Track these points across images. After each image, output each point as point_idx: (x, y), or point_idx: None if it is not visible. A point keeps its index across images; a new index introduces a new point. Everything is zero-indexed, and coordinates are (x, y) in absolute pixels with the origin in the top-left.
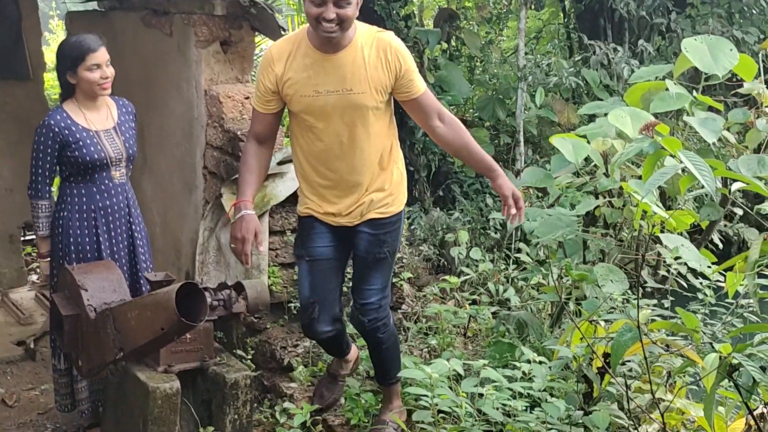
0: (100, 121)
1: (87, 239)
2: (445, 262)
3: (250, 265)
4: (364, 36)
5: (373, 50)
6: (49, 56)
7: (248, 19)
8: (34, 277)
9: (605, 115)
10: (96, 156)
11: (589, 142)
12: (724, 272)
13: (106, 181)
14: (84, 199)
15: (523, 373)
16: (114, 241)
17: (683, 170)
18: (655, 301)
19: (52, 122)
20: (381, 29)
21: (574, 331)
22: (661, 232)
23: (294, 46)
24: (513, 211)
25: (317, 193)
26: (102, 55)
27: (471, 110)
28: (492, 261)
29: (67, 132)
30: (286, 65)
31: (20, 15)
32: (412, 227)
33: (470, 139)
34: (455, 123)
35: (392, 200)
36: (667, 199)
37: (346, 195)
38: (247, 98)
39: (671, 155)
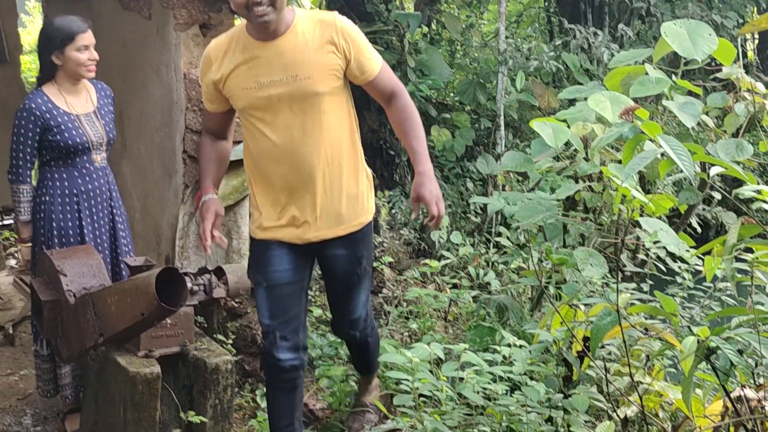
0: (81, 104)
1: (70, 223)
2: (426, 246)
3: (209, 250)
4: (305, 20)
5: (317, 32)
6: (26, 38)
7: (227, 2)
8: (12, 262)
9: (585, 99)
10: (78, 140)
11: (569, 127)
12: (702, 256)
13: (88, 165)
14: (66, 183)
15: (504, 356)
16: (96, 225)
17: (662, 155)
18: (634, 285)
19: (33, 105)
20: (324, 12)
21: (554, 315)
22: (641, 216)
23: (232, 40)
24: (413, 215)
25: (274, 200)
26: (90, 36)
27: (452, 94)
28: (472, 245)
29: (48, 116)
30: (224, 61)
31: None
32: (393, 211)
33: (409, 128)
34: (401, 106)
35: (363, 209)
36: (646, 183)
37: (304, 194)
38: None
39: (651, 140)
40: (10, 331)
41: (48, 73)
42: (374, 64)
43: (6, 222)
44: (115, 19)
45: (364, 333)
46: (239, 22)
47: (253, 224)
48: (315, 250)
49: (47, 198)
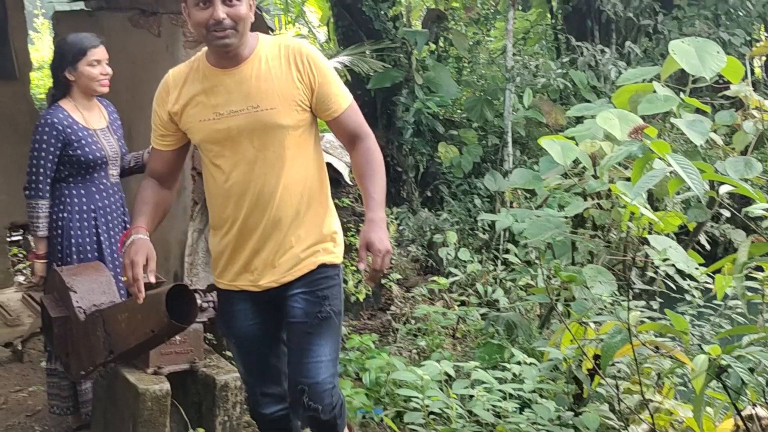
0: (96, 120)
1: (88, 239)
2: (434, 263)
3: (142, 298)
4: (269, 46)
5: (282, 60)
6: (34, 55)
7: None
8: (20, 279)
9: (593, 117)
10: (97, 154)
11: (577, 144)
12: (712, 274)
13: (104, 181)
14: (84, 199)
15: (513, 374)
16: (113, 240)
17: (672, 173)
18: (643, 303)
19: (55, 120)
20: (290, 38)
21: (564, 332)
22: (649, 233)
23: (192, 69)
24: (360, 266)
25: (232, 246)
26: (102, 51)
27: (459, 111)
28: (480, 262)
29: (69, 130)
30: (182, 91)
31: (6, 14)
32: (401, 228)
33: (369, 172)
34: (364, 149)
35: (327, 248)
36: (654, 200)
37: (264, 238)
38: None
39: (660, 158)
40: (19, 348)
41: (63, 89)
42: (342, 99)
43: (14, 238)
44: (124, 36)
45: (331, 411)
46: None
47: (214, 272)
48: (275, 295)
49: (65, 214)
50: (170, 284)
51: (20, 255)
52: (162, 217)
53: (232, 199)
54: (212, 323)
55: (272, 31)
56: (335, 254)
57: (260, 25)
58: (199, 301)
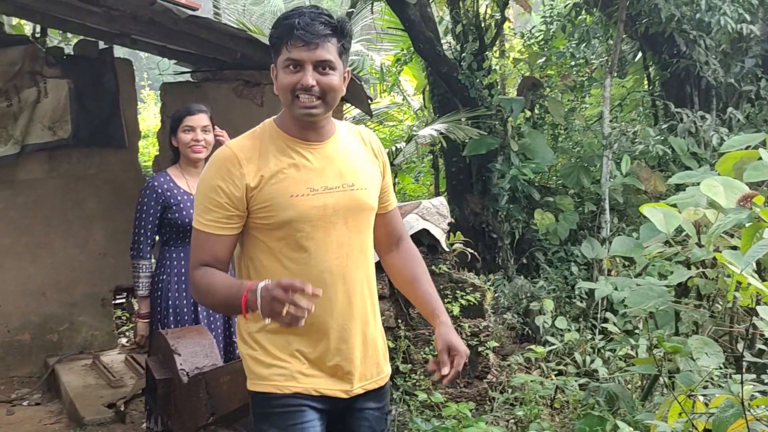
0: None
1: (185, 302)
2: (530, 331)
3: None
4: (345, 129)
5: (359, 141)
6: (141, 125)
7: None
8: (123, 340)
9: (695, 184)
10: None
11: (679, 212)
12: None
13: None
14: (183, 262)
15: None
16: None
17: None
18: (753, 376)
19: (156, 184)
20: (358, 126)
21: (672, 404)
22: (757, 304)
23: (260, 141)
24: (446, 370)
25: (318, 344)
26: (198, 119)
27: (555, 177)
28: (578, 330)
29: (168, 194)
30: (260, 163)
31: (118, 87)
32: (496, 295)
33: (424, 274)
34: (413, 250)
35: (386, 356)
36: (762, 269)
37: (351, 334)
38: None
39: None
40: (122, 408)
41: (173, 156)
42: (394, 195)
43: (118, 301)
44: (228, 107)
45: None
46: (346, 107)
47: (274, 372)
48: (344, 407)
49: (165, 276)
50: None
51: (124, 318)
52: None
53: (321, 289)
54: None
55: (371, 99)
56: (389, 361)
57: (359, 94)
58: None
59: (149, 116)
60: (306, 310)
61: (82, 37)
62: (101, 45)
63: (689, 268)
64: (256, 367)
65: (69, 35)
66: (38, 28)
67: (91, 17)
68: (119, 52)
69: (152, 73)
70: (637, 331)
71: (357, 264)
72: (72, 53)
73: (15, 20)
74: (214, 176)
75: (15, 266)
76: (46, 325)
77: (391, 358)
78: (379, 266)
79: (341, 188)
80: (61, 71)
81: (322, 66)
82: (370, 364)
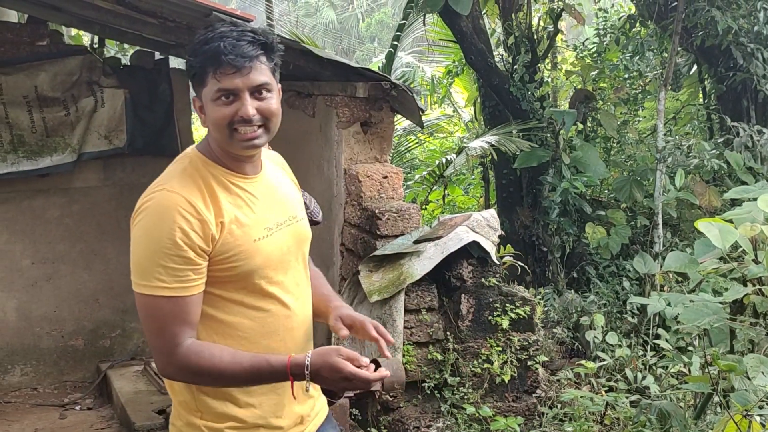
0: None
1: None
2: (580, 346)
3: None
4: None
5: (276, 167)
6: (197, 134)
7: (388, 101)
8: None
9: (752, 199)
10: None
11: (735, 227)
12: None
13: None
14: None
15: None
16: None
17: None
18: None
19: None
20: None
21: (727, 423)
22: None
23: (201, 180)
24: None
25: (284, 392)
26: None
27: (606, 191)
28: (629, 346)
29: None
30: (214, 208)
31: (173, 97)
32: (546, 309)
33: (324, 285)
34: (315, 268)
35: None
36: None
37: None
38: (385, 177)
39: None
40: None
41: None
42: None
43: None
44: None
45: None
46: (396, 119)
47: (221, 421)
48: None
49: None
50: None
51: None
52: None
53: (284, 335)
54: (358, 399)
55: (422, 111)
56: None
57: (410, 105)
58: None
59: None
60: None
61: (138, 48)
62: (157, 56)
63: (745, 285)
64: None
65: (126, 46)
66: (96, 39)
67: (147, 28)
68: (174, 62)
69: None
70: (690, 348)
71: (308, 299)
72: (128, 63)
73: (74, 31)
74: (170, 228)
75: (69, 273)
76: (98, 330)
77: (439, 371)
78: (427, 277)
79: (288, 222)
80: (118, 81)
81: (258, 90)
82: (317, 396)
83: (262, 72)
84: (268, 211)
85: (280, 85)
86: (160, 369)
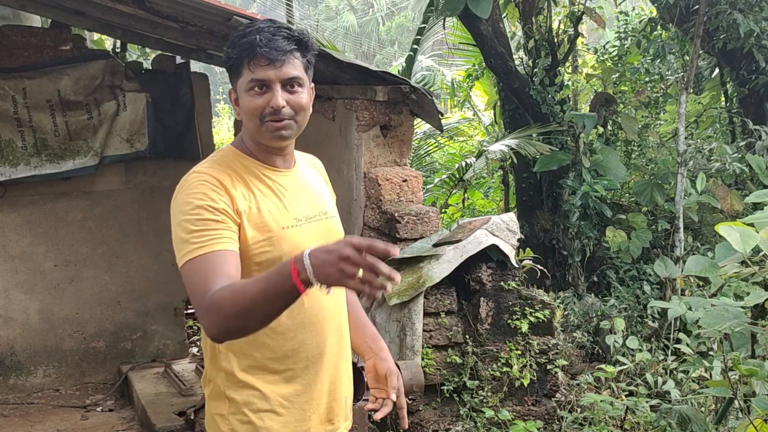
0: None
1: None
2: (600, 350)
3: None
4: (298, 154)
5: (312, 168)
6: (217, 138)
7: (408, 105)
8: (194, 350)
9: None
10: None
11: (757, 231)
12: None
13: None
14: None
15: None
16: None
17: None
18: None
19: None
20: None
21: (748, 428)
22: None
23: (231, 168)
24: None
25: (309, 389)
26: None
27: (627, 195)
28: (650, 351)
29: None
30: (244, 189)
31: (194, 101)
32: (566, 313)
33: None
34: None
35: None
36: None
37: (342, 378)
38: (404, 181)
39: None
40: (192, 417)
41: None
42: None
43: (190, 311)
44: None
45: None
46: (416, 122)
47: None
48: None
49: None
50: None
51: (195, 327)
52: None
53: (310, 328)
54: (383, 422)
55: (442, 115)
56: None
57: (430, 108)
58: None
59: (223, 129)
60: (392, 278)
61: (159, 52)
62: (178, 60)
63: (766, 289)
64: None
65: (147, 50)
66: (118, 43)
67: (168, 32)
68: (195, 66)
69: (227, 87)
70: (711, 352)
71: (340, 296)
72: (150, 68)
73: (96, 35)
74: (194, 195)
75: (91, 275)
76: (120, 333)
77: (458, 374)
78: (446, 281)
79: (318, 217)
80: (140, 85)
81: (290, 84)
82: (349, 401)
83: (295, 66)
84: (297, 204)
85: (313, 85)
86: (207, 331)
